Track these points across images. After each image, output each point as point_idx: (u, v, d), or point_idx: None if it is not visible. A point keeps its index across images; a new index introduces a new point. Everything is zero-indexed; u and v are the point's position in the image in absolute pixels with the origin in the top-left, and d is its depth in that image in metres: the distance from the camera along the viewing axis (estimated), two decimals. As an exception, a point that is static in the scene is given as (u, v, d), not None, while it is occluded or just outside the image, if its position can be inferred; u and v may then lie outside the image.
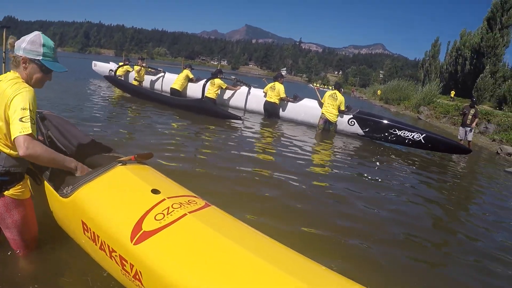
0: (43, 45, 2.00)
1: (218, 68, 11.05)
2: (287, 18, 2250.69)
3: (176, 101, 9.97)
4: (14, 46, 1.99)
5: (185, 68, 11.82)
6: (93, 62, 17.69)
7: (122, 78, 12.63)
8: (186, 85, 11.64)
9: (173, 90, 11.37)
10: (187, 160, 5.06)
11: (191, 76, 11.64)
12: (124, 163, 2.15)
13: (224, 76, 11.05)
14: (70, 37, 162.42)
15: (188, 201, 1.93)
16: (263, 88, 10.65)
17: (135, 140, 5.85)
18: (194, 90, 11.48)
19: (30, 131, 1.79)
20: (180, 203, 1.87)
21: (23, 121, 1.79)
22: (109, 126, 6.70)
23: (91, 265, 2.10)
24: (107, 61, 17.76)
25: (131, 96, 10.91)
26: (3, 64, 4.08)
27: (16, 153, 1.87)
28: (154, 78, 12.94)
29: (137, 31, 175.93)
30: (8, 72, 2.02)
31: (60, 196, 2.08)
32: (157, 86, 12.90)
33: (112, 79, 11.69)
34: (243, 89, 10.98)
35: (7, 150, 1.93)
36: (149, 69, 12.94)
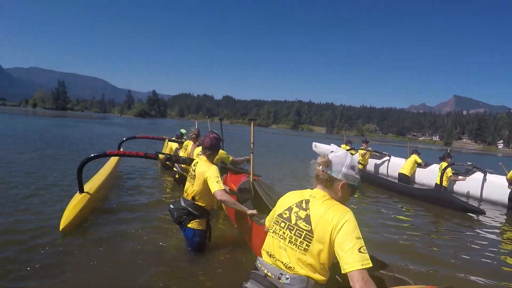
0: (356, 168, 1.99)
1: (448, 151, 10.06)
2: (498, 84, 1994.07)
3: (407, 189, 9.26)
4: (324, 164, 1.96)
5: (412, 153, 11.35)
6: (314, 143, 18.59)
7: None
8: (415, 171, 11.11)
9: (401, 176, 10.92)
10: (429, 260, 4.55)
11: (419, 161, 11.10)
12: None
13: (456, 162, 10.00)
14: (282, 114, 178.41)
15: None
16: (499, 173, 9.34)
17: (375, 235, 5.62)
18: (423, 176, 10.92)
19: (371, 265, 1.68)
20: None
21: (361, 252, 1.69)
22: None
23: None
24: (320, 138, 18.55)
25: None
26: (251, 154, 4.56)
27: (324, 279, 1.83)
28: (378, 161, 12.87)
29: (346, 108, 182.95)
30: (316, 190, 1.99)
31: None
32: (382, 170, 12.74)
33: None
34: (477, 175, 9.71)
35: (317, 276, 1.83)
36: (374, 152, 12.94)
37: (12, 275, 3.21)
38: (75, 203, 4.63)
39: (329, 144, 18.04)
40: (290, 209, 1.96)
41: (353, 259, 1.66)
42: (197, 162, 3.83)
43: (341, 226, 1.74)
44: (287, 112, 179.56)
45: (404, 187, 9.45)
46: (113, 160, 7.60)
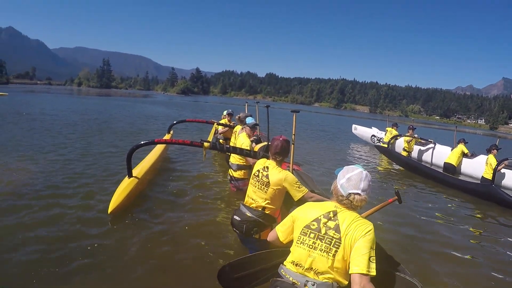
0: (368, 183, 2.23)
1: (496, 143, 9.49)
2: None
3: (455, 181, 8.79)
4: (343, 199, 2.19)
5: (459, 143, 10.92)
6: (353, 125, 18.08)
7: (390, 147, 12.60)
8: (461, 161, 10.74)
9: (447, 165, 10.55)
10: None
11: (466, 151, 10.68)
12: None
13: (504, 150, 9.37)
14: (326, 93, 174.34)
15: None
16: None
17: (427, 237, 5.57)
18: (469, 167, 10.51)
19: (375, 274, 1.94)
20: None
21: (371, 261, 1.96)
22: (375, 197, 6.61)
23: None
24: (362, 119, 18.05)
25: (399, 166, 10.80)
26: (292, 145, 3.98)
27: (347, 283, 2.08)
28: (423, 148, 12.49)
29: (391, 88, 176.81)
30: (339, 206, 2.21)
31: None
32: (426, 158, 12.36)
33: (384, 150, 11.76)
34: None
35: (341, 280, 2.09)
36: (420, 139, 12.55)
37: (63, 251, 3.56)
38: (124, 187, 4.91)
39: (370, 126, 17.45)
40: (318, 220, 2.18)
41: (362, 264, 1.93)
42: (267, 168, 3.45)
43: (363, 236, 2.02)
44: (331, 90, 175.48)
45: (450, 178, 9.08)
46: (161, 145, 7.84)
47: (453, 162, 10.49)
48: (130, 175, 5.24)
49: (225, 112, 9.84)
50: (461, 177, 9.64)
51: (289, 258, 2.25)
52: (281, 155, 3.46)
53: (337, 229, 2.09)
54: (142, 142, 5.38)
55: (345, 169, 2.25)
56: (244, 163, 5.88)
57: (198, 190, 6.16)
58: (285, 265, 2.24)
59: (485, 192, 7.83)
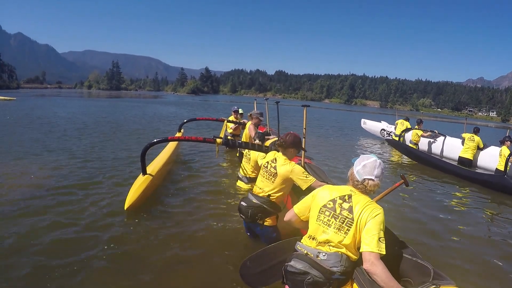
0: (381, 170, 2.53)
1: (507, 134, 9.40)
2: None
3: (468, 173, 8.75)
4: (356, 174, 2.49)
5: (474, 134, 10.68)
6: (362, 120, 17.96)
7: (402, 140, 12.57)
8: (475, 153, 10.62)
9: (463, 159, 10.38)
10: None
11: (481, 145, 10.58)
12: (437, 285, 2.21)
13: None
14: (336, 89, 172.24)
15: None
16: None
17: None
18: (480, 159, 10.44)
19: (384, 253, 2.20)
20: None
21: (380, 241, 2.22)
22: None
23: None
24: (373, 113, 17.84)
25: (410, 159, 10.79)
26: (303, 139, 4.21)
27: (355, 258, 2.36)
28: (431, 140, 12.44)
29: (401, 82, 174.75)
30: (354, 189, 2.49)
31: None
32: (435, 150, 12.30)
33: (395, 143, 11.74)
34: None
35: (350, 254, 2.35)
36: (428, 132, 12.50)
37: (83, 245, 3.71)
38: (139, 184, 5.05)
39: (379, 121, 17.30)
40: (334, 201, 2.46)
41: (372, 243, 2.20)
42: (275, 159, 3.75)
43: (373, 218, 2.29)
44: (341, 86, 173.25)
45: (462, 170, 9.05)
46: (173, 143, 7.92)
47: (469, 156, 10.35)
48: (145, 173, 5.37)
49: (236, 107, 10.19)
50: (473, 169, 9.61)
51: (308, 232, 2.52)
52: (289, 147, 3.69)
53: (350, 210, 2.36)
54: (155, 140, 5.52)
55: (361, 157, 2.55)
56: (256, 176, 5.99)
57: (211, 186, 6.30)
58: (301, 242, 2.52)
59: (498, 183, 7.79)
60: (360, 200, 2.38)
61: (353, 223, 2.31)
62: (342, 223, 2.34)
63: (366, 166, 2.45)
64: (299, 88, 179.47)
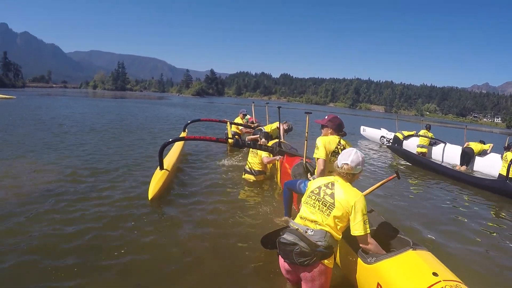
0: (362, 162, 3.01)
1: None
2: None
3: (471, 178, 8.96)
4: (349, 170, 2.89)
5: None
6: (362, 127, 18.27)
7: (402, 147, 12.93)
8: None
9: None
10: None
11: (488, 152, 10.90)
12: (414, 248, 2.78)
13: None
14: (341, 93, 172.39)
15: (456, 285, 2.32)
16: None
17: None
18: (481, 165, 10.85)
19: (369, 231, 2.75)
20: (451, 286, 2.30)
21: (365, 224, 2.71)
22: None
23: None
24: (377, 118, 18.02)
25: (411, 164, 10.97)
26: (305, 142, 5.13)
27: (338, 237, 2.79)
28: (434, 147, 12.87)
29: (406, 87, 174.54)
30: (337, 177, 2.94)
31: (364, 263, 2.83)
32: (436, 156, 12.68)
33: (396, 149, 12.07)
34: None
35: (333, 232, 2.76)
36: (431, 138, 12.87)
37: (114, 233, 4.08)
38: (158, 178, 5.60)
39: (379, 128, 17.50)
40: (320, 187, 2.93)
41: (360, 228, 2.71)
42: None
43: (355, 204, 2.73)
44: (345, 90, 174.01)
45: (464, 175, 9.22)
46: (181, 142, 8.22)
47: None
48: (162, 167, 5.90)
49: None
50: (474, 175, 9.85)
51: (299, 213, 2.98)
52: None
53: (332, 196, 2.82)
54: (171, 139, 6.09)
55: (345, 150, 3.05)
56: (262, 169, 6.62)
57: (219, 179, 6.80)
58: (294, 220, 2.96)
59: (500, 188, 7.96)
60: (341, 187, 2.83)
61: (334, 207, 2.76)
62: (325, 206, 2.79)
63: (343, 153, 2.96)
64: (304, 92, 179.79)
